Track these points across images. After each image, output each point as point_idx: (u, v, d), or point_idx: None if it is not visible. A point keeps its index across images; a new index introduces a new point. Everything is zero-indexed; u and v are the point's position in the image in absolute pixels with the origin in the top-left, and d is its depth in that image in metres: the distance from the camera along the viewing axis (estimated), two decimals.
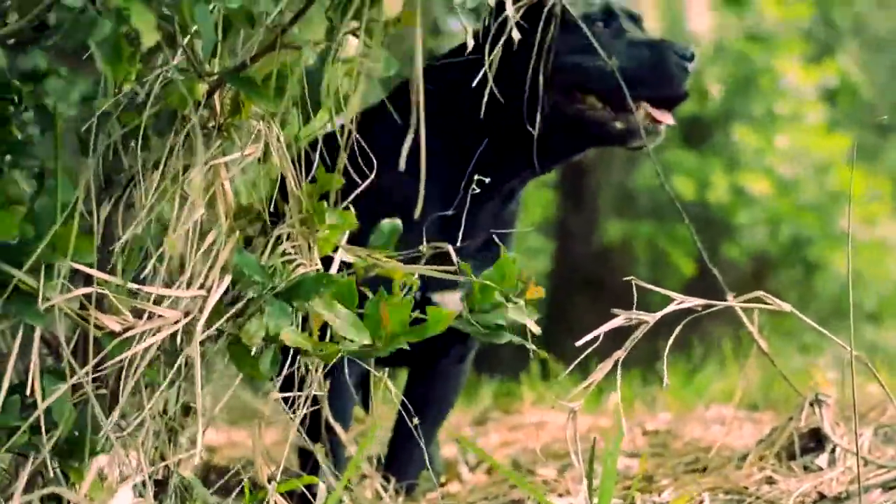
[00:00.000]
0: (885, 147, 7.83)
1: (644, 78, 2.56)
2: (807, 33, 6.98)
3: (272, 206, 2.12)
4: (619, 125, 2.56)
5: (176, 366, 2.03)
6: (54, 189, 1.73)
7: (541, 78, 2.49)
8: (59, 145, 1.73)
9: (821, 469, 2.49)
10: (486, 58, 2.26)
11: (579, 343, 2.22)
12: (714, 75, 6.39)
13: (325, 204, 2.05)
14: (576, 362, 2.30)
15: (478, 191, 2.41)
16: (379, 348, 1.98)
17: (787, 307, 2.39)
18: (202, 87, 1.83)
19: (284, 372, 2.14)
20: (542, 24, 2.47)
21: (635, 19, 2.68)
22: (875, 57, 7.30)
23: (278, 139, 2.02)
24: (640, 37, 2.64)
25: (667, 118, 2.57)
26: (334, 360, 2.02)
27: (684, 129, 6.38)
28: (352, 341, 1.96)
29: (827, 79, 6.78)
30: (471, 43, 1.99)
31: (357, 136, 2.09)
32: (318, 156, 2.09)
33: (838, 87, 6.96)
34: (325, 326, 2.02)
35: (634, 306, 2.28)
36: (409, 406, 2.44)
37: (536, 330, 2.13)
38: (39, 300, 1.81)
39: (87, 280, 1.97)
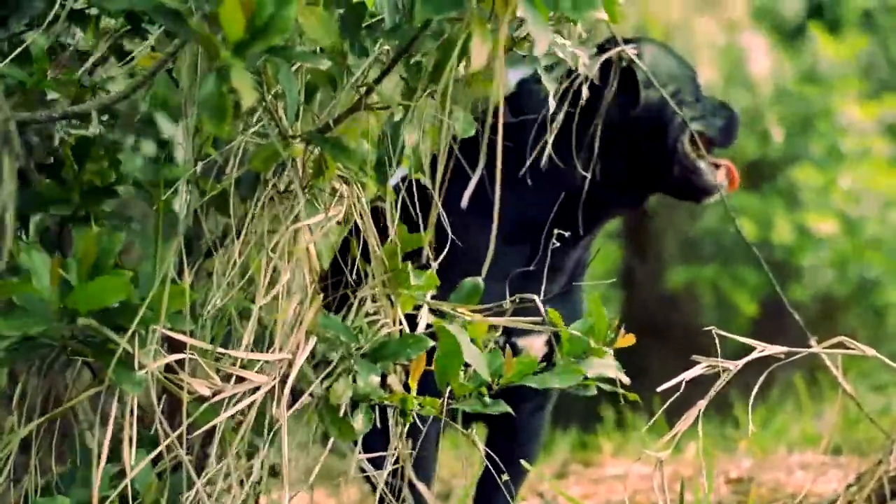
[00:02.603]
0: None
1: (728, 132, 2.71)
2: (864, 70, 6.93)
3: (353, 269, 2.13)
4: (716, 180, 2.66)
5: (264, 432, 2.03)
6: (154, 256, 1.74)
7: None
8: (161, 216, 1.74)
9: None
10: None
11: (661, 388, 2.22)
12: (774, 118, 6.36)
13: (409, 265, 2.06)
14: (660, 412, 2.29)
15: (557, 244, 2.43)
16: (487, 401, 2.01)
17: (870, 351, 2.38)
18: (288, 152, 1.84)
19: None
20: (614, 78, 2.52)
21: None
22: None
23: (359, 200, 2.03)
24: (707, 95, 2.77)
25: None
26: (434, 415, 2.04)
27: (746, 172, 6.35)
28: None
29: (886, 114, 6.72)
30: (553, 104, 2.00)
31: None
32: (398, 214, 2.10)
33: None
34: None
35: (716, 353, 2.28)
36: (492, 461, 2.43)
37: (626, 380, 2.13)
38: (136, 366, 1.81)
39: (173, 346, 1.98)
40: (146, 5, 1.57)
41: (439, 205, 2.05)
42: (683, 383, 2.24)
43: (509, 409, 2.12)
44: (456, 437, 2.27)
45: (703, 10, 6.18)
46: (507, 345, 2.41)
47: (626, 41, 2.55)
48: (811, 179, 6.39)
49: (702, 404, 2.26)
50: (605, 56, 2.49)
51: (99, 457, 1.90)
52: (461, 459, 2.62)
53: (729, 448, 3.92)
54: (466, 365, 2.07)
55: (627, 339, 2.16)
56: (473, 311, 2.12)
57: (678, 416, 2.27)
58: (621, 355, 2.18)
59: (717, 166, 2.66)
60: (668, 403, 2.27)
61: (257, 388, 1.93)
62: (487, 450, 2.48)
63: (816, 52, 6.68)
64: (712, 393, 2.27)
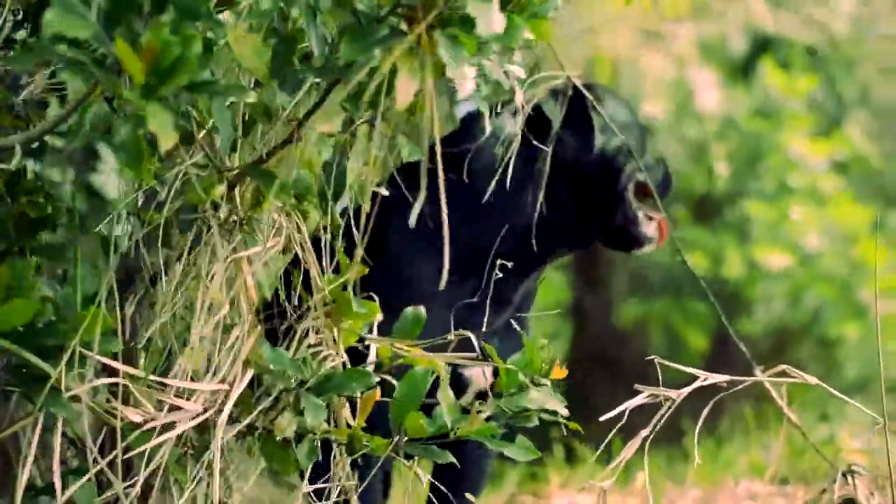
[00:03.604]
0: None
1: (665, 186, 2.76)
2: (813, 106, 6.97)
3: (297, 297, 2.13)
4: (650, 233, 2.69)
5: (203, 461, 2.02)
6: (76, 278, 1.74)
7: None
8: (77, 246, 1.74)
9: None
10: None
11: (603, 418, 2.23)
12: (722, 152, 6.40)
13: (350, 294, 2.06)
14: (606, 442, 2.30)
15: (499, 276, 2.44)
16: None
17: (812, 380, 2.40)
18: (220, 187, 1.84)
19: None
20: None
21: None
22: (884, 125, 7.30)
23: (299, 230, 2.03)
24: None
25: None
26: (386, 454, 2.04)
27: (695, 207, 6.39)
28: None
29: (836, 151, 6.76)
30: (489, 128, 2.01)
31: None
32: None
33: (848, 160, 6.94)
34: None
35: (660, 383, 2.29)
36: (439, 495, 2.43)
37: (564, 412, 2.14)
38: (63, 389, 1.80)
39: (111, 375, 1.97)
40: (52, 58, 1.57)
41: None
42: (628, 413, 2.24)
43: (454, 460, 2.12)
44: (402, 467, 2.27)
45: (650, 45, 6.22)
46: (452, 374, 2.43)
47: (585, 86, 2.59)
48: (762, 213, 6.43)
49: (645, 433, 2.27)
50: (562, 97, 2.53)
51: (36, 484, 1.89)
52: (406, 491, 2.61)
53: (678, 479, 3.93)
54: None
55: (560, 373, 2.16)
56: (416, 345, 2.12)
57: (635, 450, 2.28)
58: (570, 388, 2.19)
59: (650, 218, 2.69)
60: (612, 434, 2.28)
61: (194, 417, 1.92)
62: (434, 481, 2.49)
63: (767, 87, 6.73)
64: (655, 423, 2.28)
